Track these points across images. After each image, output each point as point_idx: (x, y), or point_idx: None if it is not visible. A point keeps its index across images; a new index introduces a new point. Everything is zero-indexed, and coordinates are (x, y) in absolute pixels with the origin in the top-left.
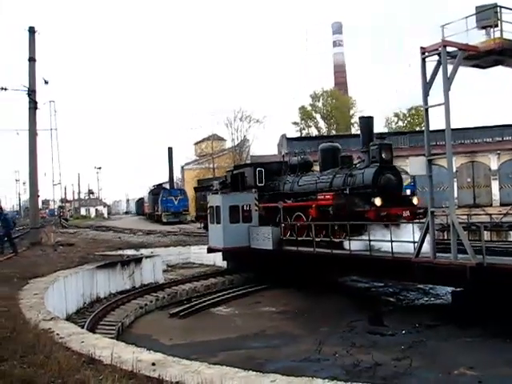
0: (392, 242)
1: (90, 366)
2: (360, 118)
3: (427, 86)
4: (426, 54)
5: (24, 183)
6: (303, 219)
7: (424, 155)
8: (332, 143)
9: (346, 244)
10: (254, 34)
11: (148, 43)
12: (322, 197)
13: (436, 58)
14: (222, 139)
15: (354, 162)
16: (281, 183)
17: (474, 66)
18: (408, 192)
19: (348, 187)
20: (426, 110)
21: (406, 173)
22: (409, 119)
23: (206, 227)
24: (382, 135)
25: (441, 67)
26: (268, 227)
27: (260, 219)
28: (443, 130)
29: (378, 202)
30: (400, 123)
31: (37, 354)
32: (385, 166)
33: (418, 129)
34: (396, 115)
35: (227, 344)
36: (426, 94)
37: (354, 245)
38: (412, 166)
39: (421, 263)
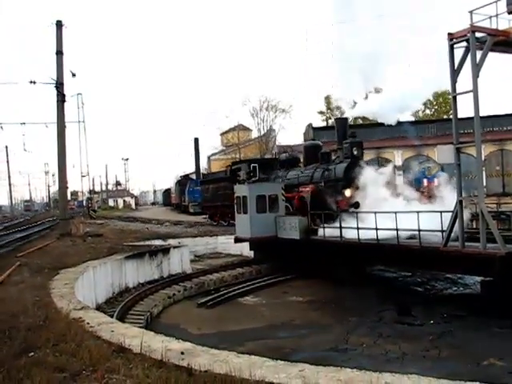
0: (420, 231)
1: (120, 354)
2: (336, 119)
3: (455, 74)
4: (454, 40)
5: (53, 175)
6: (289, 209)
7: (452, 143)
8: (313, 141)
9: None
10: (278, 24)
11: (174, 33)
12: (303, 189)
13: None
14: (248, 129)
15: (332, 158)
16: (272, 177)
17: (503, 51)
18: (436, 181)
19: (324, 180)
20: (454, 98)
21: (434, 161)
22: (436, 107)
23: (211, 217)
24: (353, 133)
25: (469, 54)
26: (295, 217)
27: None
28: (471, 118)
29: (347, 193)
30: (427, 111)
31: (68, 343)
32: (355, 161)
33: (445, 117)
34: (423, 103)
35: (255, 333)
36: (453, 82)
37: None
38: (440, 154)
39: (449, 252)
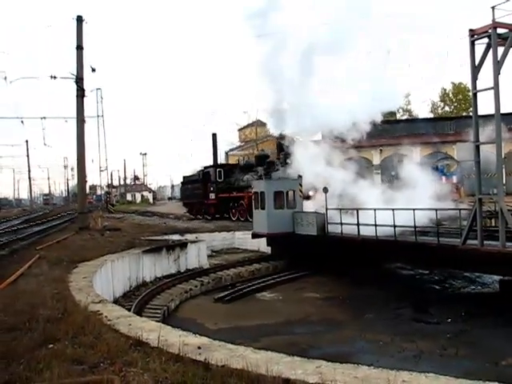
0: (438, 228)
1: (137, 348)
2: (277, 136)
3: (476, 70)
4: (475, 36)
5: (72, 169)
6: (243, 205)
7: (472, 141)
8: (263, 151)
9: None
10: None
11: (191, 28)
12: (251, 190)
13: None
14: (266, 125)
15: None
16: (232, 180)
17: None
18: (454, 179)
19: None
20: (475, 95)
21: (453, 158)
22: (455, 104)
23: (190, 212)
24: (287, 146)
25: (490, 50)
26: (313, 213)
27: (217, 206)
28: (492, 115)
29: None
30: (446, 108)
31: (87, 335)
32: (286, 169)
33: (465, 114)
34: (442, 100)
35: (271, 329)
36: (474, 79)
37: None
38: (459, 151)
39: (467, 250)
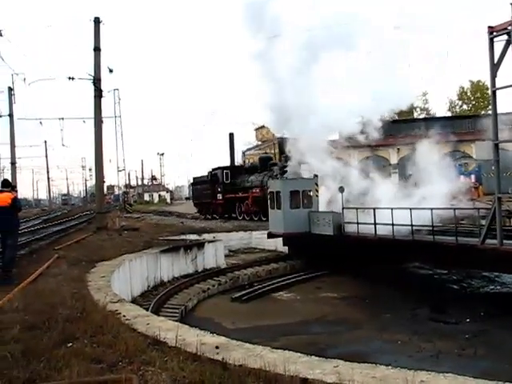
0: (456, 227)
1: (155, 347)
2: (278, 138)
3: (495, 68)
4: (494, 33)
5: (90, 169)
6: (248, 205)
7: (491, 139)
8: (266, 154)
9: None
10: None
11: (210, 29)
12: (255, 190)
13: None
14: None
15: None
16: (237, 181)
17: None
18: (472, 178)
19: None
20: (494, 93)
21: (471, 157)
22: (474, 102)
23: (200, 212)
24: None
25: (510, 47)
26: (329, 212)
27: (224, 206)
28: (511, 113)
29: None
30: (464, 106)
31: (105, 335)
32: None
33: (483, 112)
34: (460, 98)
35: (288, 329)
36: (493, 76)
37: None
38: (478, 150)
39: (487, 250)
